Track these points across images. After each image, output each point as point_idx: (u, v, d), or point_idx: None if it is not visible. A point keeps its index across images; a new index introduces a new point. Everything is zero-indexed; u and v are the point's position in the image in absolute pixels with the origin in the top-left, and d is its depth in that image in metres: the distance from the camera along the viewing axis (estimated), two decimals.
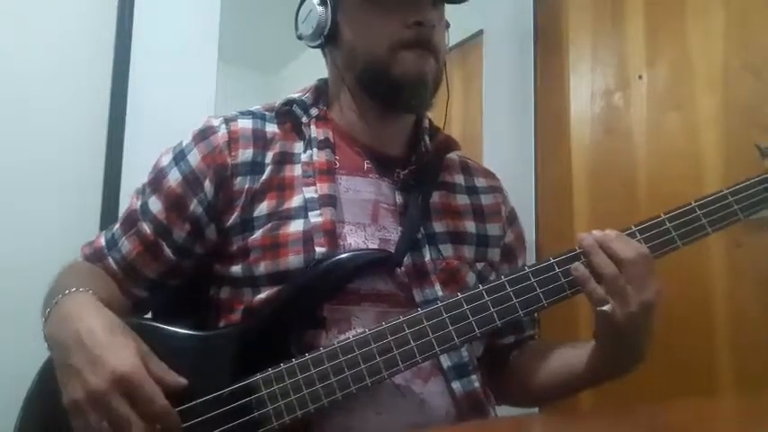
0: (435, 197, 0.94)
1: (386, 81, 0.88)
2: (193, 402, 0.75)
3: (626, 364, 0.84)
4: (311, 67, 1.05)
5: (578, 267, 0.78)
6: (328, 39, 0.91)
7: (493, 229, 0.98)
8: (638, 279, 0.76)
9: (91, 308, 0.75)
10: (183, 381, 0.74)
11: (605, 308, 0.76)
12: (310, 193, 0.86)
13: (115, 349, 0.69)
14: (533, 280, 0.80)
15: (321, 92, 0.98)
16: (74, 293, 0.77)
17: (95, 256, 0.91)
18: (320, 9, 0.90)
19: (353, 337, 0.78)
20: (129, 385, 0.67)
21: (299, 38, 0.95)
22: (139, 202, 0.90)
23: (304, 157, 0.89)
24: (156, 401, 0.69)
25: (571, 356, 0.89)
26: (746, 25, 1.46)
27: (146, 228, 0.88)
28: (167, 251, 0.88)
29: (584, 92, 1.84)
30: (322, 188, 0.86)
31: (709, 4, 1.54)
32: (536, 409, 1.64)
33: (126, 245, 0.89)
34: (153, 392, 0.69)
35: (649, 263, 0.78)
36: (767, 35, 1.42)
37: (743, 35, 1.47)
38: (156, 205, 0.88)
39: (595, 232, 0.79)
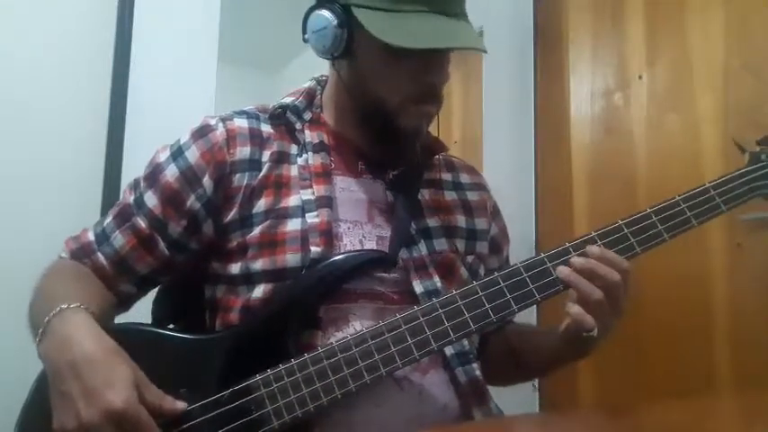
0: (425, 194, 0.95)
1: (387, 125, 0.89)
2: (193, 406, 0.75)
3: (588, 353, 0.88)
4: (312, 67, 1.05)
5: (572, 306, 0.79)
6: (338, 56, 0.89)
7: (480, 223, 1.00)
8: (616, 298, 0.78)
9: (86, 331, 0.73)
10: (181, 405, 0.73)
11: (593, 333, 0.78)
12: (307, 195, 0.87)
13: (111, 381, 0.68)
14: (525, 275, 0.81)
15: (314, 93, 0.98)
16: (66, 312, 0.75)
17: (82, 252, 0.90)
18: (337, 31, 0.85)
19: (351, 335, 0.78)
20: (122, 421, 0.67)
21: (306, 41, 0.92)
22: (133, 197, 0.90)
23: (300, 161, 0.90)
24: None
25: (538, 341, 0.96)
26: (746, 25, 1.47)
27: (140, 222, 0.88)
28: (162, 245, 0.88)
29: (584, 92, 1.85)
30: (318, 190, 0.87)
31: (708, 4, 1.54)
32: (536, 407, 1.65)
33: (119, 239, 0.89)
34: (146, 428, 0.68)
35: (627, 278, 0.79)
36: (767, 35, 1.42)
37: (743, 35, 1.47)
38: (151, 200, 0.88)
39: (575, 260, 0.80)
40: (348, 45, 0.86)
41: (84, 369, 0.69)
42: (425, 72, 0.86)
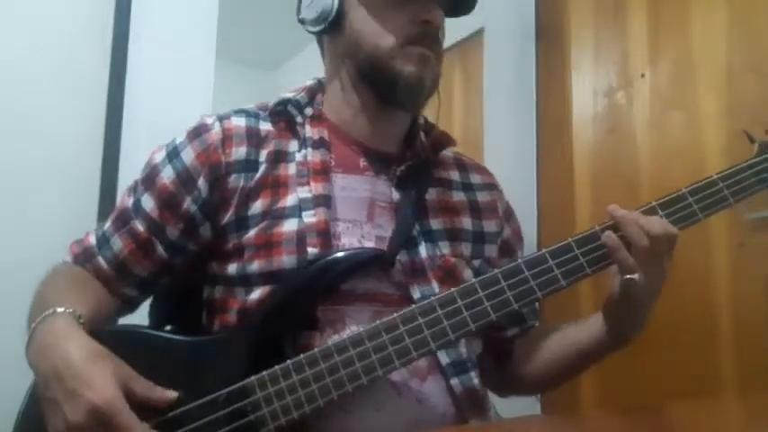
0: (432, 194, 0.94)
1: (386, 73, 0.88)
2: (188, 406, 0.74)
3: (630, 336, 0.87)
4: (310, 65, 1.05)
5: (611, 235, 0.79)
6: (331, 25, 0.90)
7: (489, 225, 0.98)
8: (660, 254, 0.78)
9: (67, 335, 0.73)
10: (171, 394, 0.73)
11: (634, 276, 0.77)
12: (304, 193, 0.85)
13: (91, 380, 0.68)
14: (527, 273, 0.79)
15: (316, 91, 0.97)
16: (50, 318, 0.75)
17: (84, 256, 0.90)
18: None
19: (348, 335, 0.77)
20: (104, 417, 0.67)
21: (301, 22, 0.94)
22: (131, 200, 0.89)
23: (298, 157, 0.89)
24: (132, 431, 0.68)
25: (573, 334, 0.93)
26: (750, 24, 1.45)
27: (138, 226, 0.87)
28: (160, 249, 0.87)
29: (586, 90, 1.83)
30: (316, 188, 0.86)
31: (712, 2, 1.53)
32: (538, 408, 1.63)
33: (118, 243, 0.88)
34: (129, 423, 0.67)
35: (673, 241, 0.79)
36: None
37: (746, 33, 1.46)
38: (148, 203, 0.87)
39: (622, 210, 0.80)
40: (340, 6, 0.89)
41: (65, 372, 0.69)
42: (417, 9, 0.87)
